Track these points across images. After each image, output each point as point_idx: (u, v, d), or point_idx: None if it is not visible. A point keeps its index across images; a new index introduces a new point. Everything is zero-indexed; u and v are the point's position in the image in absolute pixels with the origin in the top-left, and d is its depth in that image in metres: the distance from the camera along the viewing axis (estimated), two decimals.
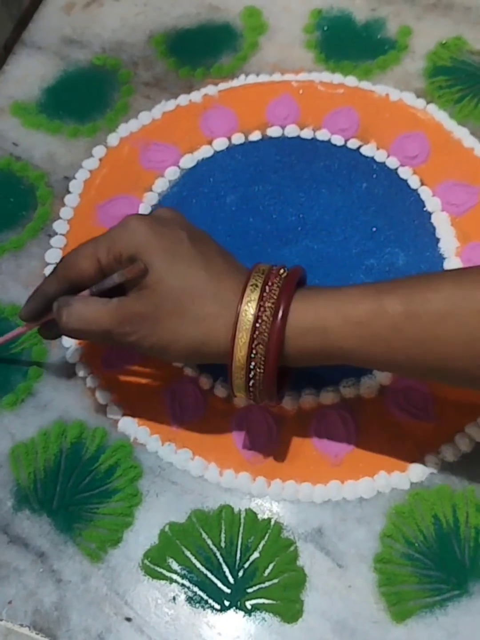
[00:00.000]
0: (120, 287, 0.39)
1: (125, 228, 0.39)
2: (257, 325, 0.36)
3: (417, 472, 0.43)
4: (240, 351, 0.36)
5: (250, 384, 0.37)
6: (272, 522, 0.42)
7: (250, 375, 0.37)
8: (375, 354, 0.36)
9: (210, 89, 0.59)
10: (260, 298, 0.36)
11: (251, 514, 0.42)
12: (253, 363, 0.36)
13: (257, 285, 0.36)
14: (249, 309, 0.36)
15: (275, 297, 0.36)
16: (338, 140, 0.56)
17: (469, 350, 0.34)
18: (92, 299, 0.39)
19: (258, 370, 0.37)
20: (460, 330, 0.34)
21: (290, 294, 0.36)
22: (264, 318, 0.36)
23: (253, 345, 0.36)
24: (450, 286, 0.35)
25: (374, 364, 0.38)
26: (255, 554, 0.41)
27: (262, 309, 0.36)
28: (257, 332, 0.36)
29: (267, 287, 0.36)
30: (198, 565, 0.41)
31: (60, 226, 0.53)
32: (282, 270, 0.38)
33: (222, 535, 0.42)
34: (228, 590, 0.40)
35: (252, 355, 0.36)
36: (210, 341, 0.37)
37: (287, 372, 0.40)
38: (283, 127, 0.56)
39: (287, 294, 0.36)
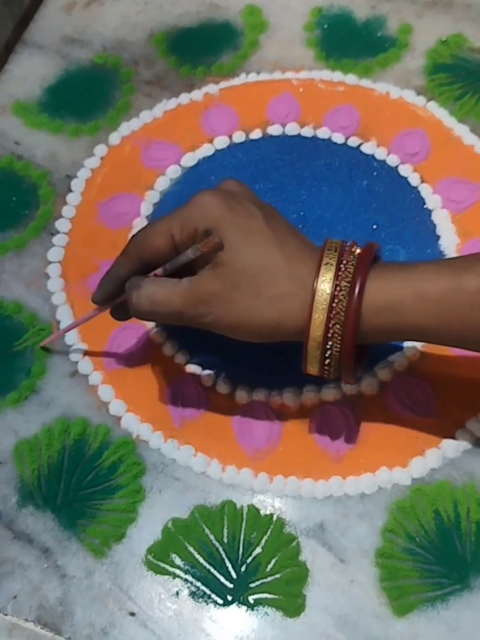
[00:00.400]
0: (190, 266, 0.39)
1: (199, 204, 0.38)
2: (334, 304, 0.36)
3: (418, 467, 0.43)
4: (317, 331, 0.36)
5: (326, 362, 0.37)
6: (275, 517, 0.42)
7: (327, 354, 0.37)
8: (450, 330, 0.36)
9: (211, 88, 0.59)
10: (336, 277, 0.36)
11: (253, 509, 0.43)
12: (330, 342, 0.36)
13: (331, 264, 0.36)
14: (325, 288, 0.36)
15: (350, 275, 0.36)
16: (339, 138, 0.56)
17: None
18: (162, 280, 0.39)
19: (335, 348, 0.37)
20: None
21: (365, 271, 0.36)
22: (340, 297, 0.36)
23: (329, 325, 0.36)
24: None
25: (447, 340, 0.38)
26: (258, 550, 0.41)
27: (337, 288, 0.36)
28: (333, 312, 0.36)
29: (342, 265, 0.36)
30: (201, 560, 0.41)
31: (62, 225, 0.53)
32: (354, 247, 0.38)
33: (225, 530, 0.42)
34: (231, 585, 0.41)
35: (329, 335, 0.36)
36: (286, 321, 0.37)
37: (363, 351, 0.40)
38: (284, 125, 0.57)
39: (363, 272, 0.36)
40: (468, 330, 0.36)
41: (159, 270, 0.40)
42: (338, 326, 0.36)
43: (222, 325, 0.38)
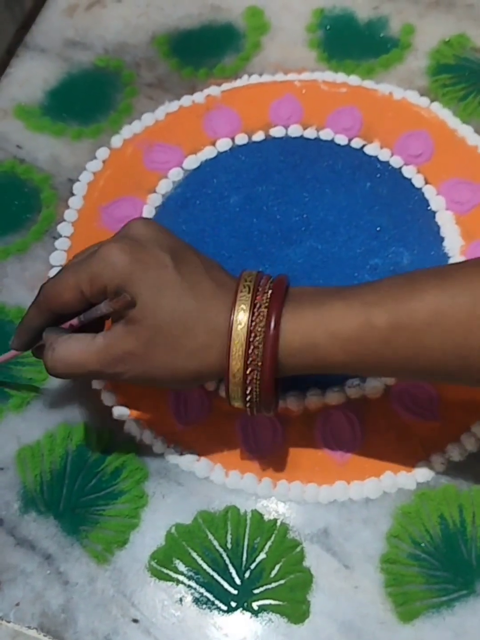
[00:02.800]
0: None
1: (107, 259, 0.37)
2: (250, 351, 0.36)
3: (423, 472, 0.43)
4: (236, 376, 0.36)
5: (247, 400, 0.38)
6: (278, 523, 0.42)
7: (247, 398, 0.37)
8: (366, 365, 0.36)
9: (213, 90, 0.59)
10: (250, 322, 0.36)
11: (257, 515, 0.42)
12: (249, 388, 0.37)
13: (245, 309, 0.36)
14: (240, 336, 0.36)
15: (264, 319, 0.36)
16: (341, 139, 0.55)
17: (457, 356, 0.34)
18: (75, 338, 0.38)
19: (254, 391, 0.37)
20: (446, 338, 0.34)
21: (279, 315, 0.36)
22: (256, 343, 0.36)
23: (247, 371, 0.36)
24: (435, 293, 0.35)
25: (368, 374, 0.40)
26: (262, 555, 0.41)
27: (252, 334, 0.36)
28: (250, 359, 0.36)
29: (255, 310, 0.36)
30: (204, 566, 0.41)
31: (64, 229, 0.53)
32: (267, 285, 0.37)
33: (228, 536, 0.42)
34: (235, 592, 0.41)
35: (248, 381, 0.36)
36: (205, 370, 0.37)
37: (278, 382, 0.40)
38: (286, 127, 0.56)
39: (276, 316, 0.36)
40: (384, 363, 0.36)
41: (74, 321, 0.39)
42: (256, 372, 0.36)
43: (141, 381, 0.38)
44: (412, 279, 0.36)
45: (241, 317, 0.36)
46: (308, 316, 0.36)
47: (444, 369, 0.35)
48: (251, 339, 0.36)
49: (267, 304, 0.36)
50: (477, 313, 0.34)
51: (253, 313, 0.36)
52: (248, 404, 0.38)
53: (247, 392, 0.37)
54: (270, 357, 0.36)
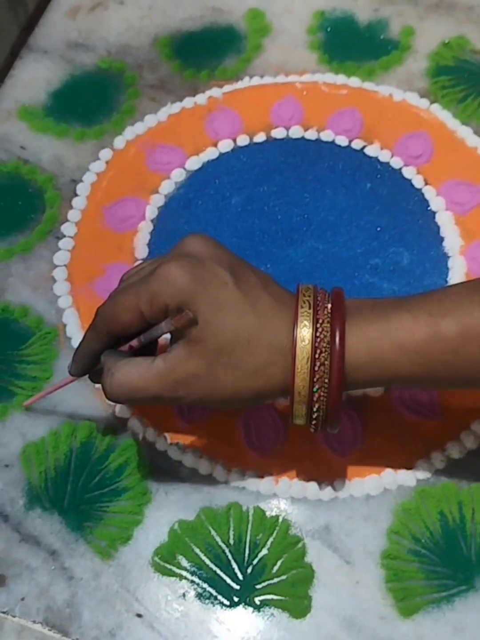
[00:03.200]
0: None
1: (166, 278, 0.36)
2: (316, 368, 0.35)
3: (423, 469, 0.43)
4: (300, 395, 0.36)
5: (314, 418, 0.37)
6: (280, 519, 0.43)
7: (313, 416, 0.37)
8: (435, 377, 0.36)
9: (215, 91, 0.59)
10: (314, 338, 0.35)
11: (259, 511, 0.43)
12: (316, 405, 0.36)
13: (307, 325, 0.35)
14: (304, 352, 0.35)
15: (328, 334, 0.35)
16: (342, 140, 0.56)
17: None
18: (134, 362, 0.37)
19: (321, 409, 0.36)
20: None
21: (343, 330, 0.35)
22: (322, 359, 0.35)
23: (314, 389, 0.35)
24: None
25: (434, 385, 0.38)
26: (264, 551, 0.42)
27: (317, 351, 0.35)
28: (317, 376, 0.35)
29: (318, 325, 0.35)
30: (207, 562, 0.42)
31: (68, 229, 0.54)
32: (326, 299, 0.37)
33: (231, 532, 0.42)
34: (237, 587, 0.41)
35: (314, 399, 0.36)
36: (269, 388, 0.36)
37: None
38: (287, 129, 0.57)
39: (340, 331, 0.35)
40: (453, 374, 0.36)
41: (134, 342, 0.38)
42: (323, 390, 0.35)
43: (205, 402, 0.37)
44: (476, 287, 0.36)
45: (305, 333, 0.35)
46: (373, 329, 0.35)
47: None
48: (317, 356, 0.35)
49: (329, 319, 0.36)
50: None
51: (316, 328, 0.35)
52: (314, 422, 0.37)
53: (314, 409, 0.36)
54: (337, 373, 0.35)
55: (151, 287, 0.36)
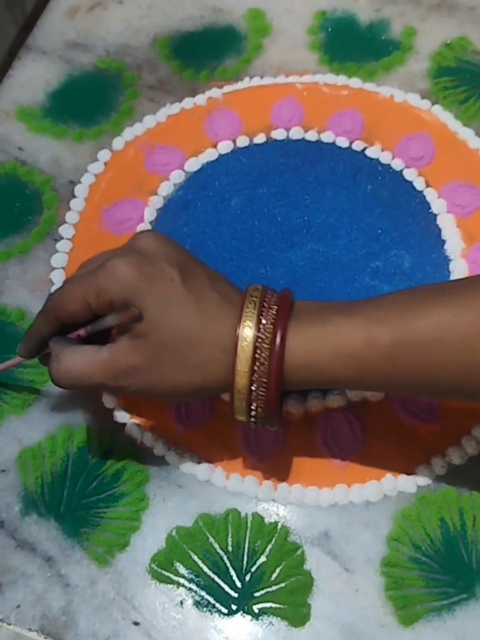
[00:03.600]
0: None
1: (114, 274, 0.37)
2: (255, 368, 0.36)
3: (423, 475, 0.43)
4: (240, 393, 0.37)
5: (252, 416, 0.38)
6: (279, 526, 0.42)
7: (251, 413, 0.38)
8: (370, 382, 0.37)
9: (215, 92, 0.59)
10: (255, 339, 0.36)
11: (258, 518, 0.42)
12: (254, 404, 0.37)
13: (250, 325, 0.36)
14: (246, 352, 0.36)
15: (269, 336, 0.36)
16: (343, 142, 0.55)
17: (460, 373, 0.35)
18: (81, 350, 0.38)
19: (259, 407, 0.37)
20: (449, 355, 0.34)
21: (284, 332, 0.36)
22: (262, 360, 0.36)
23: (252, 387, 0.36)
24: (438, 310, 0.35)
25: (372, 390, 0.39)
26: (262, 558, 0.41)
27: (258, 351, 0.36)
28: (255, 375, 0.36)
29: (260, 326, 0.36)
30: (205, 569, 0.41)
31: (66, 230, 0.53)
32: (273, 301, 0.37)
33: (229, 539, 0.42)
34: (235, 594, 0.41)
35: (253, 397, 0.37)
36: (210, 384, 0.37)
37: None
38: (287, 130, 0.56)
39: (282, 333, 0.36)
40: (387, 380, 0.36)
41: (81, 331, 0.39)
42: (262, 389, 0.36)
43: (145, 394, 0.38)
44: (415, 295, 0.36)
45: (247, 332, 0.36)
46: (313, 333, 0.36)
47: (447, 385, 0.35)
48: (257, 355, 0.36)
49: (272, 320, 0.36)
50: None
51: (259, 329, 0.36)
52: (252, 419, 0.38)
53: (252, 407, 0.37)
54: (276, 374, 0.36)
55: (98, 281, 0.37)
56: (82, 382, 0.38)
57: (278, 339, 0.36)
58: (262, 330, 0.36)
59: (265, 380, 0.36)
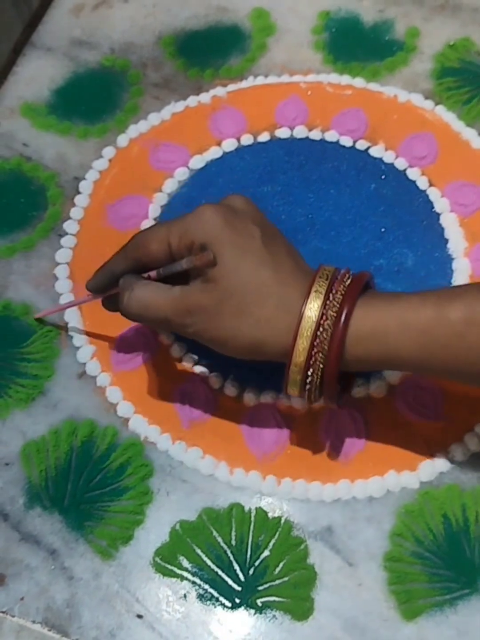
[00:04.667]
0: (185, 274, 0.39)
1: (200, 217, 0.38)
2: (319, 332, 0.36)
3: (426, 471, 0.43)
4: (299, 357, 0.36)
5: (307, 386, 0.37)
6: (282, 520, 0.42)
7: (308, 380, 0.37)
8: (436, 360, 0.36)
9: (219, 90, 0.59)
10: (323, 305, 0.36)
11: (261, 512, 0.43)
12: (311, 370, 0.37)
13: (320, 292, 0.36)
14: (311, 315, 0.36)
15: (337, 305, 0.36)
16: (347, 141, 0.56)
17: None
18: (154, 285, 0.39)
19: (316, 376, 0.37)
20: None
21: (352, 302, 0.36)
22: (325, 326, 0.36)
23: (312, 353, 0.36)
24: None
25: (433, 371, 0.38)
26: (266, 552, 0.41)
27: (324, 317, 0.36)
28: (317, 340, 0.36)
29: (330, 295, 0.36)
30: (209, 563, 0.41)
31: (70, 226, 0.53)
32: (346, 276, 0.38)
33: (233, 533, 0.42)
34: (239, 588, 0.41)
35: (311, 362, 0.36)
36: (270, 342, 0.37)
37: (350, 377, 0.40)
38: (292, 128, 0.57)
39: (350, 303, 0.36)
40: (454, 359, 0.36)
41: (153, 273, 0.40)
42: (321, 355, 0.36)
43: (206, 338, 0.39)
44: None
45: (315, 300, 0.36)
46: (381, 306, 0.36)
47: None
48: (321, 321, 0.36)
49: (343, 291, 0.37)
50: None
51: (327, 298, 0.36)
52: (307, 390, 0.38)
53: (308, 375, 0.37)
54: (338, 342, 0.36)
55: (185, 222, 0.39)
56: (149, 313, 0.39)
57: (345, 310, 0.36)
58: (330, 300, 0.36)
59: (325, 347, 0.36)
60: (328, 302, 0.36)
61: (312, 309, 0.36)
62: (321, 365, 0.36)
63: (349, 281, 0.37)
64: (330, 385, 0.37)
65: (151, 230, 0.41)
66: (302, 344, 0.36)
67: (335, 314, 0.36)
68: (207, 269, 0.37)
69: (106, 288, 0.43)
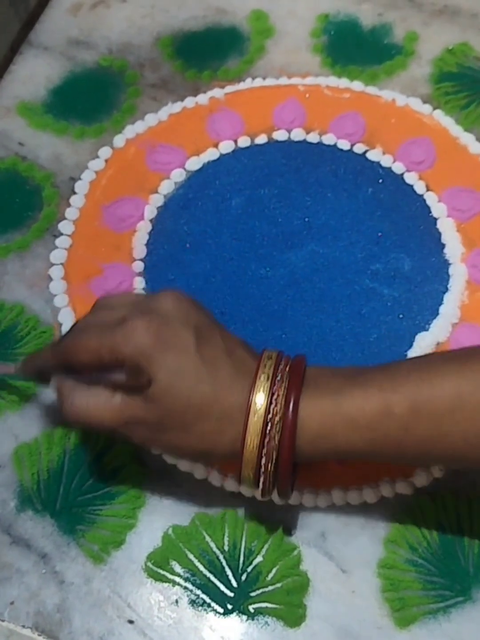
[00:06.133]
0: None
1: (130, 337, 0.36)
2: (266, 441, 0.35)
3: (421, 478, 0.43)
4: (248, 465, 0.36)
5: (260, 488, 0.37)
6: (276, 526, 0.42)
7: (260, 485, 0.37)
8: (385, 453, 0.36)
9: (217, 92, 0.59)
10: (267, 412, 0.35)
11: (255, 518, 0.42)
12: (262, 478, 0.36)
13: (261, 399, 0.35)
14: (256, 425, 0.35)
15: (281, 409, 0.35)
16: (344, 144, 0.56)
17: (478, 443, 0.34)
18: (94, 392, 0.38)
19: (268, 481, 0.36)
20: (468, 424, 0.34)
21: (296, 405, 0.35)
22: (272, 434, 0.35)
23: (261, 462, 0.36)
24: (455, 378, 0.34)
25: (385, 460, 0.39)
26: (259, 558, 0.41)
27: (269, 425, 0.35)
28: (265, 449, 0.35)
29: (273, 399, 0.35)
30: (201, 568, 0.41)
31: (65, 227, 0.53)
32: (286, 371, 0.37)
33: (226, 538, 0.42)
34: (231, 594, 0.40)
35: (262, 471, 0.36)
36: (215, 452, 0.37)
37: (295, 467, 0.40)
38: (289, 131, 0.56)
39: (294, 405, 0.35)
40: (403, 450, 0.36)
41: (86, 376, 0.38)
42: (271, 464, 0.36)
43: (152, 447, 0.40)
44: (430, 364, 0.36)
45: (259, 406, 0.35)
46: (326, 404, 0.35)
47: (465, 455, 0.35)
48: (268, 430, 0.35)
49: (285, 392, 0.36)
50: None
51: (270, 402, 0.35)
52: (260, 491, 0.37)
53: (260, 480, 0.36)
54: (288, 447, 0.35)
55: (115, 339, 0.37)
56: (92, 423, 0.38)
57: (290, 411, 0.35)
58: (274, 403, 0.35)
59: (274, 453, 0.35)
60: (271, 409, 0.35)
61: (257, 421, 0.35)
62: (272, 471, 0.36)
63: (288, 379, 0.36)
64: (285, 488, 0.37)
65: (80, 341, 0.38)
66: (249, 457, 0.36)
67: (280, 421, 0.35)
68: (143, 388, 0.36)
69: (34, 377, 0.42)
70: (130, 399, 0.37)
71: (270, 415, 0.35)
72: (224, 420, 0.36)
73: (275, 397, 0.36)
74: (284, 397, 0.36)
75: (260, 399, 0.35)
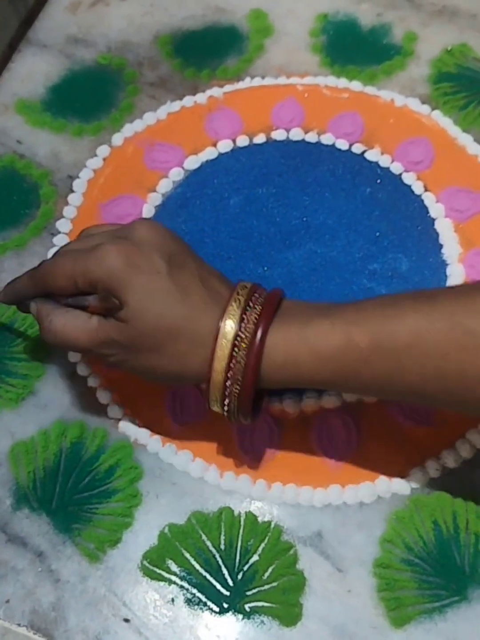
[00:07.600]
0: None
1: (102, 261, 0.38)
2: (232, 365, 0.36)
3: (417, 477, 0.43)
4: (215, 387, 0.37)
5: (225, 409, 0.39)
6: (272, 525, 0.42)
7: (225, 407, 0.38)
8: (347, 384, 0.37)
9: (216, 91, 0.59)
10: (235, 337, 0.36)
11: (251, 516, 0.42)
12: (227, 399, 0.38)
13: (232, 323, 0.37)
14: (223, 350, 0.36)
15: (250, 335, 0.36)
16: (342, 144, 0.56)
17: (434, 379, 0.35)
18: (72, 314, 0.40)
19: (233, 403, 0.38)
20: (424, 360, 0.35)
21: (265, 332, 0.36)
22: (239, 357, 0.36)
23: (227, 385, 0.37)
24: (415, 316, 0.35)
25: (348, 391, 0.40)
26: (255, 557, 0.41)
27: (236, 349, 0.36)
28: (231, 372, 0.37)
29: (242, 324, 0.37)
30: (197, 567, 0.41)
31: (63, 225, 0.53)
32: (259, 300, 0.38)
33: (222, 537, 0.42)
34: (227, 593, 0.40)
35: (227, 393, 0.37)
36: (187, 373, 0.38)
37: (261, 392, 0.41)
38: (288, 130, 0.56)
39: (262, 332, 0.36)
40: (364, 383, 0.37)
41: (62, 301, 0.40)
42: (237, 386, 0.37)
43: (126, 368, 0.40)
44: (395, 301, 0.37)
45: (227, 330, 0.36)
46: (293, 333, 0.37)
47: (422, 391, 0.36)
48: (235, 353, 0.36)
49: (255, 320, 0.37)
50: (453, 338, 0.34)
51: (240, 327, 0.37)
52: (226, 412, 0.39)
53: (225, 401, 0.38)
54: (252, 373, 0.36)
55: (88, 264, 0.38)
56: (69, 343, 0.40)
57: (257, 338, 0.36)
58: (242, 328, 0.37)
59: (240, 377, 0.36)
60: (240, 333, 0.36)
61: (224, 345, 0.36)
62: (237, 394, 0.37)
63: (260, 307, 0.37)
64: (246, 409, 0.38)
65: (57, 265, 0.40)
66: (217, 378, 0.37)
67: (247, 347, 0.36)
68: (115, 311, 0.38)
69: (14, 304, 0.44)
70: (105, 321, 0.39)
71: (237, 341, 0.36)
72: (195, 342, 0.37)
73: (244, 323, 0.37)
74: (254, 323, 0.37)
75: (229, 325, 0.37)
